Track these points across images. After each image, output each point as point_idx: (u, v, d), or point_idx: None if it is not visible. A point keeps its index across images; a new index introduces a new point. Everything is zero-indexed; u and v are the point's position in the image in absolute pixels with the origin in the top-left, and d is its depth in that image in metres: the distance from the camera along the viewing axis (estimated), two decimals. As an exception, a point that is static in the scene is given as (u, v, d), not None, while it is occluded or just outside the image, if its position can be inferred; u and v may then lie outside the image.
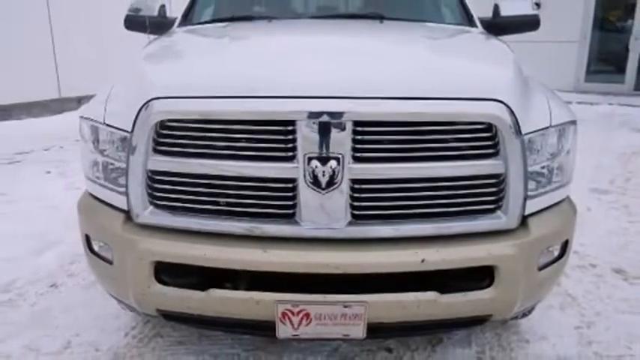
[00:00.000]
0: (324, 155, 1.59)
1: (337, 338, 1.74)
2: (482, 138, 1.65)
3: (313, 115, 1.56)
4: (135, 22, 3.10)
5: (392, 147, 1.63)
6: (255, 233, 1.68)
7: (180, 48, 2.40)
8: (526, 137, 1.69)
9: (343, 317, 1.66)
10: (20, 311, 2.54)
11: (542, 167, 1.79)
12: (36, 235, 3.36)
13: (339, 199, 1.63)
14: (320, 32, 2.46)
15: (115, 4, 5.77)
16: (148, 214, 1.73)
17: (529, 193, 1.74)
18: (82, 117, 1.95)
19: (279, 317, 1.66)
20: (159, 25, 3.05)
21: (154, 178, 1.71)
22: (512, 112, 1.64)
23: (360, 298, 1.65)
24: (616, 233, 3.59)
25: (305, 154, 1.59)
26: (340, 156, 1.59)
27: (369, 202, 1.67)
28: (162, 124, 1.66)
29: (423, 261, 1.63)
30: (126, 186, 1.74)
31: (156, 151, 1.68)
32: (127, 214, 1.78)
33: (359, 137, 1.60)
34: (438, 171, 1.65)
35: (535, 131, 1.73)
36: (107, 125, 1.80)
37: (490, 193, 1.70)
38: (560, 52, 10.26)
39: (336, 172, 1.60)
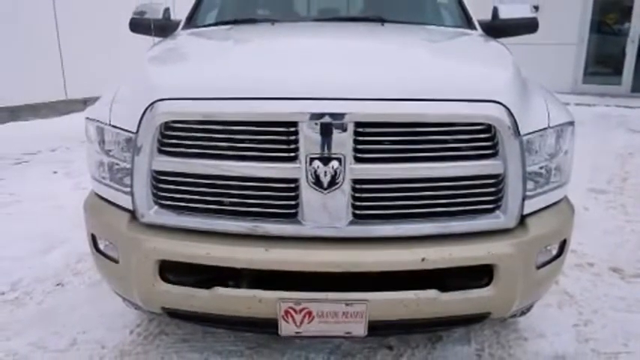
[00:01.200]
0: (325, 156, 1.61)
1: (339, 336, 1.76)
2: (482, 139, 1.68)
3: (315, 117, 1.59)
4: (140, 24, 3.13)
5: (393, 147, 1.65)
6: (257, 232, 1.70)
7: (185, 50, 2.42)
8: (525, 138, 1.71)
9: (345, 315, 1.68)
10: (27, 309, 2.55)
11: (541, 167, 1.81)
12: (42, 235, 3.37)
13: (341, 198, 1.65)
14: (322, 35, 2.48)
15: (120, 7, 5.81)
16: (152, 214, 1.75)
17: (527, 193, 1.76)
18: (87, 118, 1.97)
19: (282, 315, 1.68)
20: (163, 27, 3.07)
21: (158, 178, 1.73)
22: (510, 114, 1.66)
23: (362, 296, 1.67)
24: (613, 232, 3.61)
25: (307, 155, 1.61)
26: (342, 156, 1.61)
27: (370, 202, 1.69)
28: (166, 125, 1.68)
29: (423, 260, 1.66)
30: (131, 186, 1.76)
31: (160, 151, 1.71)
32: (133, 214, 1.80)
33: (360, 138, 1.62)
34: (437, 171, 1.67)
35: (533, 132, 1.75)
36: (112, 126, 1.82)
37: (489, 193, 1.72)
38: (558, 55, 10.28)
39: (338, 173, 1.62)
